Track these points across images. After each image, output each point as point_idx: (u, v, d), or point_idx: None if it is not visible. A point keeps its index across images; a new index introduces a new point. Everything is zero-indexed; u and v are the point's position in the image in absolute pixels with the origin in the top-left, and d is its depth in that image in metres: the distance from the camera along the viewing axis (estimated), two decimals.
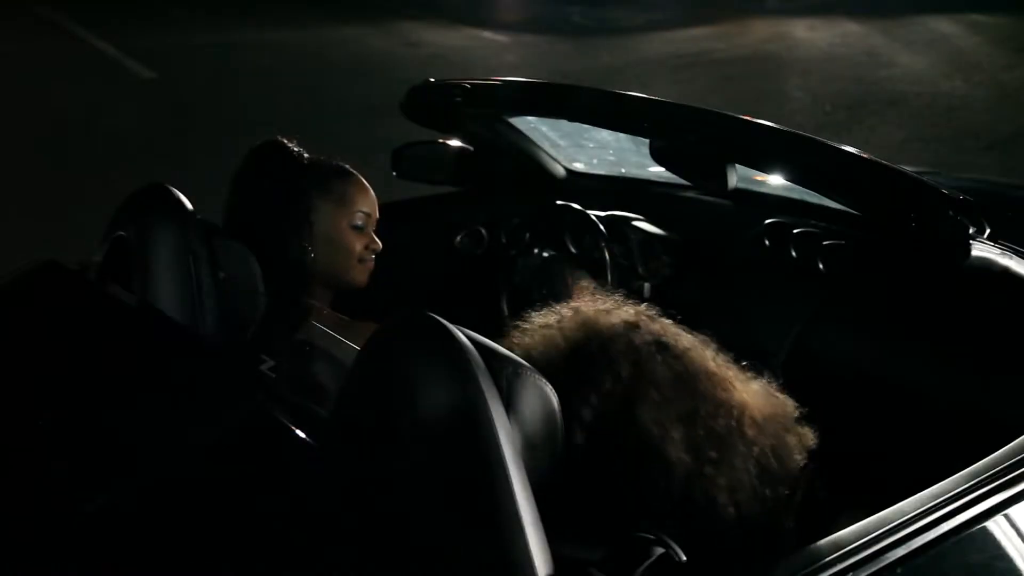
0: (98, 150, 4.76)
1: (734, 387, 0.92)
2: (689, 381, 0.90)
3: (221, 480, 0.85)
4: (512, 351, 0.90)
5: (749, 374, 0.97)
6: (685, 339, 0.94)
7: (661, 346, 0.91)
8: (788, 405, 0.96)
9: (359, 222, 1.49)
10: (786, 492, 0.90)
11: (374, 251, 1.51)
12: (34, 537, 0.80)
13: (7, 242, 2.87)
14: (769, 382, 0.98)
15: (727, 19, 9.45)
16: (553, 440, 0.84)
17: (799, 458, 0.93)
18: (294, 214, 1.43)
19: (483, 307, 1.90)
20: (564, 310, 0.99)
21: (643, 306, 0.98)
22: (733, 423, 0.89)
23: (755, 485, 0.88)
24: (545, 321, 0.99)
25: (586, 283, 1.82)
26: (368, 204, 1.50)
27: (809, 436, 0.95)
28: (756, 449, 0.89)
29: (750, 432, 0.89)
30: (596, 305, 0.98)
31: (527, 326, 1.00)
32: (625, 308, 0.97)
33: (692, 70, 7.52)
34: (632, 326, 0.93)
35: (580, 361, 0.92)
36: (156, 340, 1.13)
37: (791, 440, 0.93)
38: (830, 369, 1.55)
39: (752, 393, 0.94)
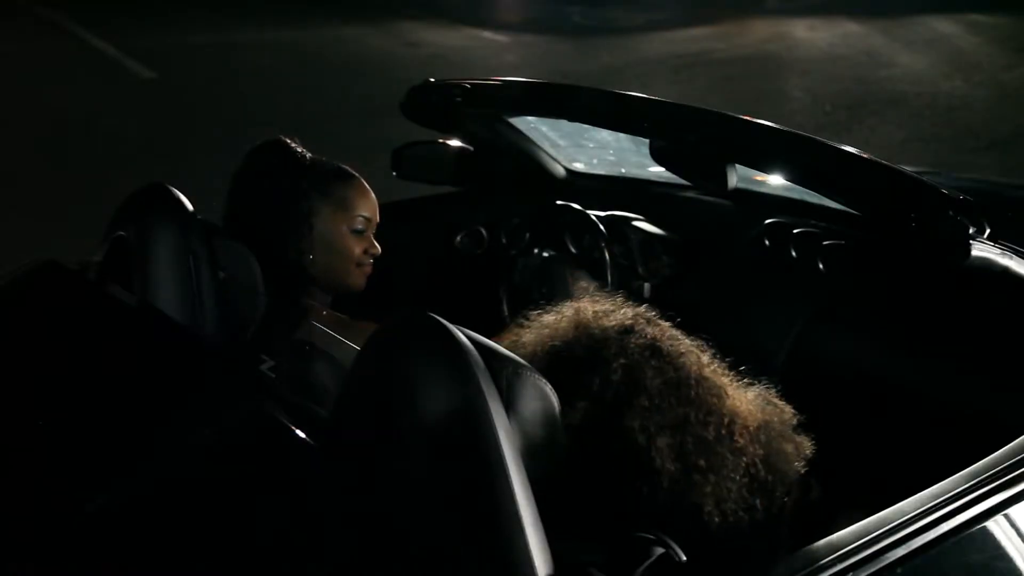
0: (98, 150, 4.76)
1: (727, 394, 0.92)
2: (680, 388, 0.89)
3: (221, 480, 0.85)
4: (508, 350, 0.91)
5: (745, 380, 0.97)
6: (681, 344, 0.94)
7: (654, 351, 0.91)
8: (786, 413, 0.96)
9: (359, 226, 1.48)
10: (780, 500, 0.90)
11: (373, 255, 1.51)
12: (34, 537, 0.80)
13: (7, 242, 2.87)
14: (767, 388, 0.98)
15: (727, 19, 9.44)
16: (553, 440, 0.84)
17: (796, 466, 0.93)
18: (294, 214, 1.43)
19: (483, 307, 1.90)
20: (563, 310, 0.99)
21: (643, 308, 0.98)
22: (723, 431, 0.89)
23: (744, 495, 0.88)
24: (543, 321, 0.99)
25: (586, 283, 1.82)
26: (368, 208, 1.50)
27: (807, 444, 0.95)
28: (745, 459, 0.89)
29: (740, 441, 0.89)
30: (595, 307, 0.97)
31: (526, 325, 1.00)
32: (624, 310, 0.97)
33: (692, 70, 7.51)
34: (627, 330, 0.93)
35: (571, 363, 0.91)
36: (156, 340, 1.13)
37: (788, 448, 0.93)
38: (830, 369, 1.55)
39: (746, 401, 0.94)
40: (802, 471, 0.93)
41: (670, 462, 0.86)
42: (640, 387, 0.88)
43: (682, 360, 0.91)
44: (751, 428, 0.90)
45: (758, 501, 0.88)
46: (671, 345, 0.93)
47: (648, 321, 0.95)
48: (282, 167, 1.46)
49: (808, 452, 0.94)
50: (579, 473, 0.87)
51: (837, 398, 1.48)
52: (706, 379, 0.91)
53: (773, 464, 0.90)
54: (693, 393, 0.89)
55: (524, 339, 0.97)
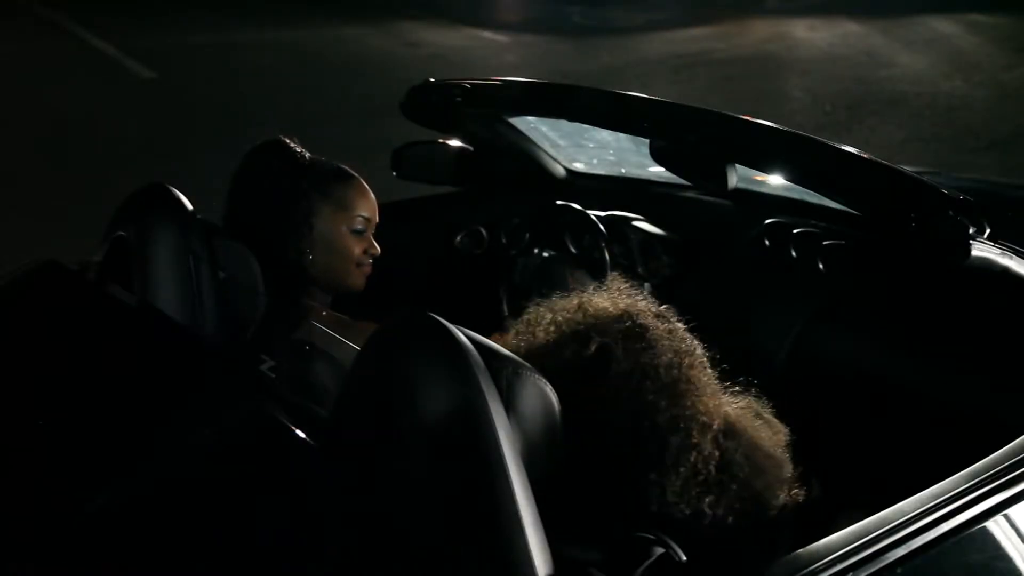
0: (98, 150, 4.76)
1: (701, 392, 0.92)
2: (647, 375, 0.90)
3: (221, 480, 0.85)
4: (518, 320, 0.94)
5: (737, 389, 0.97)
6: (672, 339, 0.94)
7: (635, 337, 0.92)
8: (778, 429, 0.96)
9: (359, 227, 1.48)
10: (746, 507, 0.90)
11: (372, 256, 1.51)
12: (34, 537, 0.80)
13: (7, 242, 2.87)
14: (764, 404, 0.98)
15: (727, 19, 9.44)
16: (553, 440, 0.84)
17: (773, 481, 0.93)
18: (294, 215, 1.43)
19: (483, 307, 1.90)
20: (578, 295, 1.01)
21: (664, 307, 0.98)
22: (682, 424, 0.89)
23: (697, 492, 0.88)
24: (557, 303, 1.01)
25: (586, 283, 1.82)
26: (368, 208, 1.50)
27: (789, 466, 0.95)
28: (696, 455, 0.89)
29: (696, 437, 0.89)
30: (613, 294, 0.99)
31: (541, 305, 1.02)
32: (638, 300, 0.98)
33: (692, 70, 7.51)
34: (623, 316, 0.94)
35: (565, 336, 0.93)
36: (156, 340, 1.13)
37: (767, 464, 0.93)
38: (830, 369, 1.55)
39: (723, 405, 0.94)
40: (788, 491, 0.93)
41: (622, 444, 0.87)
42: (608, 365, 0.90)
43: (661, 350, 0.92)
44: (714, 427, 0.91)
45: (708, 500, 0.88)
46: (658, 337, 0.93)
47: (657, 315, 0.96)
48: (282, 167, 1.46)
49: (789, 473, 0.94)
50: (576, 470, 0.87)
51: (837, 398, 1.48)
52: (683, 373, 0.92)
53: (730, 469, 0.90)
54: (659, 384, 0.90)
55: (537, 313, 0.99)
